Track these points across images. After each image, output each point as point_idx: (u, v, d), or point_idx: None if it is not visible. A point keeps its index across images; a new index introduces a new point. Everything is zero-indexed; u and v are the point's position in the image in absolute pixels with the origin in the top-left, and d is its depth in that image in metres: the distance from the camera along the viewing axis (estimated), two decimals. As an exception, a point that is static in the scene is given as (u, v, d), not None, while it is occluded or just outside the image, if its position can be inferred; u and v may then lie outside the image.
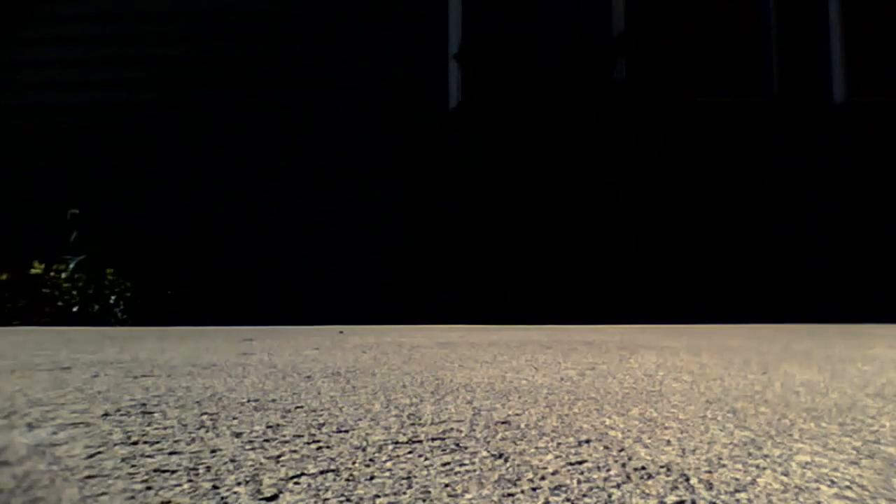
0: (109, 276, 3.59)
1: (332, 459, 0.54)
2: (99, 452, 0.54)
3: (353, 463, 0.53)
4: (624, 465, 0.53)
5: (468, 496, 0.45)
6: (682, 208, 3.99)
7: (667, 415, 0.73)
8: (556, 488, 0.47)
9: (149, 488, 0.45)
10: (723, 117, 4.60)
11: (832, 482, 0.48)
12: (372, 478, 0.49)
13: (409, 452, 0.56)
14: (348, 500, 0.44)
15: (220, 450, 0.56)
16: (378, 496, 0.45)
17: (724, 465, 0.52)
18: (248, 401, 0.81)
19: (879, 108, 4.41)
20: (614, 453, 0.57)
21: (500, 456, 0.55)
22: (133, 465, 0.51)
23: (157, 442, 0.59)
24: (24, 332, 2.81)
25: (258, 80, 4.87)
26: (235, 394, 0.87)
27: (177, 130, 4.86)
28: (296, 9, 4.87)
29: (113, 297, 3.57)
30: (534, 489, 0.47)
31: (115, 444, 0.57)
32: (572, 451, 0.57)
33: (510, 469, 0.52)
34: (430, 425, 0.67)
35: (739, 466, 0.52)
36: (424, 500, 0.44)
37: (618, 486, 0.48)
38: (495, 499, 0.45)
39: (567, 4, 5.00)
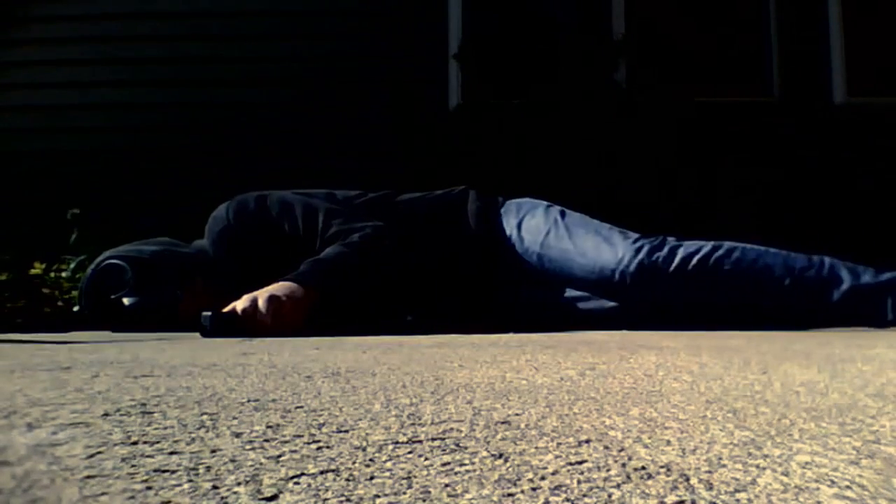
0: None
1: (332, 459, 0.54)
2: (99, 452, 0.54)
3: (353, 463, 0.53)
4: (624, 465, 0.53)
5: (468, 496, 0.45)
6: (679, 208, 3.99)
7: (667, 415, 0.73)
8: (556, 488, 0.47)
9: (149, 488, 0.45)
10: (724, 117, 4.60)
11: (832, 482, 0.48)
12: (372, 478, 0.49)
13: (409, 452, 0.56)
14: (348, 500, 0.44)
15: (220, 450, 0.56)
16: (378, 496, 0.45)
17: (724, 465, 0.52)
18: (248, 401, 0.81)
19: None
20: (614, 453, 0.57)
21: (500, 456, 0.55)
22: (133, 465, 0.51)
23: (157, 442, 0.59)
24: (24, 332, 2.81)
25: (258, 80, 4.86)
26: (235, 394, 0.87)
27: (177, 130, 4.84)
28: (295, 9, 4.86)
29: (113, 297, 3.56)
30: (534, 489, 0.47)
31: (115, 444, 0.57)
32: (572, 451, 0.57)
33: (510, 469, 0.52)
34: (430, 425, 0.67)
35: (739, 466, 0.52)
36: (424, 500, 0.44)
37: (618, 486, 0.48)
38: (495, 498, 0.45)
39: (568, 4, 5.00)
